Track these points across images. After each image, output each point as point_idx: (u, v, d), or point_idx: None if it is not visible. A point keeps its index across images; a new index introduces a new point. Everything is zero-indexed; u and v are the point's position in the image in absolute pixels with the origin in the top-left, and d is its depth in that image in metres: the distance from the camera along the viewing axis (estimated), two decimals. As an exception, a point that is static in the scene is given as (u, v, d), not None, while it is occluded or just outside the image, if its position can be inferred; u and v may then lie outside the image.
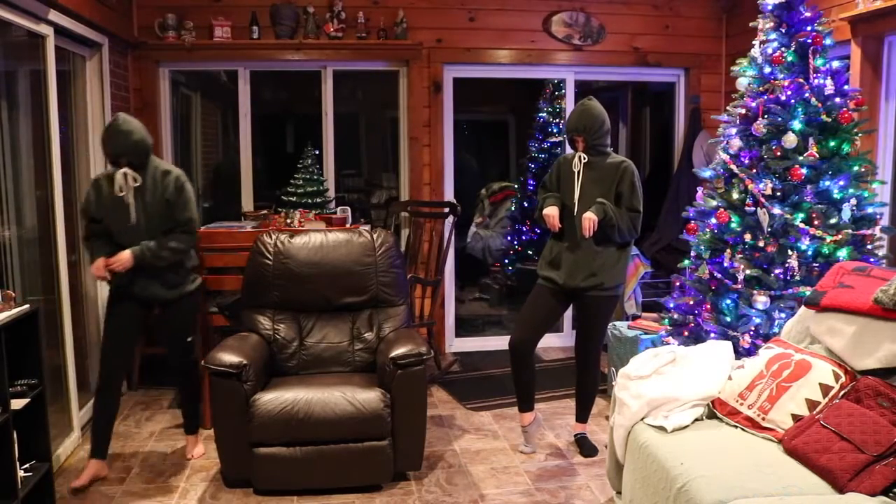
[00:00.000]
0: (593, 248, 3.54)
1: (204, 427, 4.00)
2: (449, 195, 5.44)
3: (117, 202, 3.32)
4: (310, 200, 4.98)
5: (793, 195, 3.34)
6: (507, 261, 7.19)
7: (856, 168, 3.34)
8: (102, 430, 3.46)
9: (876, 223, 3.37)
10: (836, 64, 3.40)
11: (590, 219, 3.44)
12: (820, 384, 2.59)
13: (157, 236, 3.36)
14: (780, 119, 3.35)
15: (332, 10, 5.03)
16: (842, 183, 3.31)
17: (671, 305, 3.85)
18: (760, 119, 3.41)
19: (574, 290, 3.60)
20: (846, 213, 3.29)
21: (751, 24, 3.61)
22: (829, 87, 3.33)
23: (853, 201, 3.31)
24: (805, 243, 3.28)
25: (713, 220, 3.59)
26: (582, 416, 3.85)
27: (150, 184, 3.36)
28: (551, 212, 3.59)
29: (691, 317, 3.71)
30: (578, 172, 3.59)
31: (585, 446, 3.77)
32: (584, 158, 3.58)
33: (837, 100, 3.34)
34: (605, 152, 3.62)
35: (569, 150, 3.77)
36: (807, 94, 3.34)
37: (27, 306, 2.85)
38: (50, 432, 3.01)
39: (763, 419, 2.63)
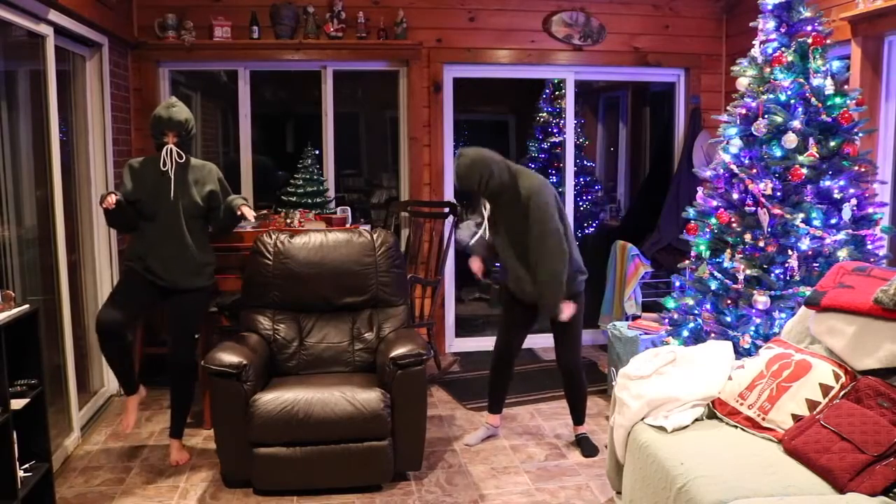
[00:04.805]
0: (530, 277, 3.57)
1: (204, 427, 4.01)
2: (449, 195, 5.44)
3: (157, 179, 3.45)
4: (310, 200, 4.98)
5: (793, 195, 3.34)
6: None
7: (856, 168, 3.34)
8: (122, 372, 3.55)
9: (876, 223, 3.37)
10: (836, 64, 3.40)
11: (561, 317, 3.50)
12: (820, 384, 2.59)
13: (188, 221, 3.50)
14: (780, 119, 3.35)
15: (332, 10, 5.03)
16: (842, 183, 3.31)
17: (671, 305, 3.85)
18: (760, 119, 3.40)
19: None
20: (846, 213, 3.29)
21: (751, 24, 3.61)
22: (829, 87, 3.33)
23: (853, 201, 3.31)
24: (805, 243, 3.28)
25: (713, 220, 3.59)
26: (577, 418, 3.86)
27: (190, 172, 3.52)
28: (474, 267, 3.74)
29: (691, 317, 3.71)
30: (490, 217, 3.62)
31: (586, 446, 3.77)
32: (487, 207, 3.61)
33: (837, 100, 3.33)
34: (503, 186, 3.45)
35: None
36: (807, 94, 3.34)
37: (27, 306, 2.85)
38: (50, 432, 3.01)
39: (763, 419, 2.63)
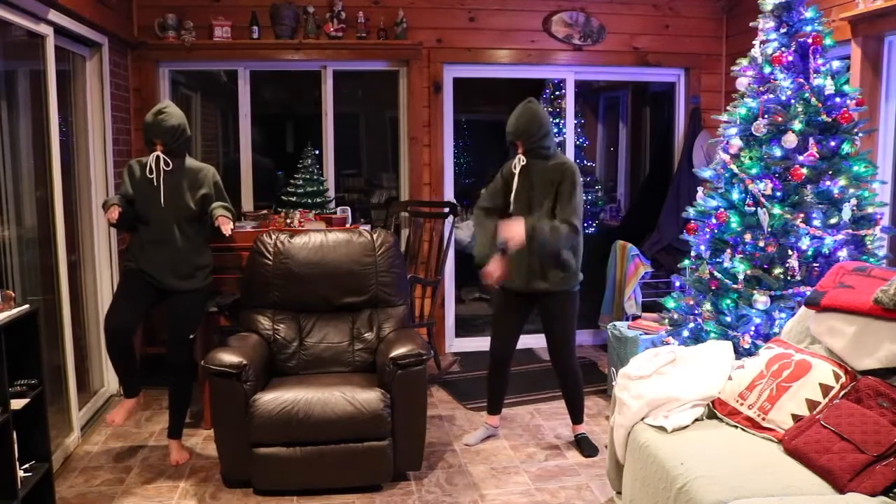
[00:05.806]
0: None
1: (204, 427, 4.01)
2: (449, 195, 5.44)
3: (148, 185, 3.46)
4: (310, 200, 4.98)
5: (793, 195, 3.33)
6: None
7: (856, 168, 3.34)
8: (125, 372, 3.57)
9: (876, 223, 3.37)
10: (836, 64, 3.40)
11: (511, 238, 3.42)
12: (820, 384, 2.59)
13: (181, 225, 3.49)
14: (780, 119, 3.35)
15: (332, 9, 5.03)
16: (842, 183, 3.30)
17: (671, 305, 3.85)
18: (760, 119, 3.40)
19: (530, 293, 3.62)
20: (846, 213, 3.29)
21: (751, 24, 3.60)
22: (829, 87, 3.33)
23: (853, 201, 3.30)
24: (805, 243, 3.28)
25: (713, 220, 3.59)
26: (575, 418, 3.86)
27: (184, 176, 3.51)
28: (490, 269, 3.57)
29: (691, 317, 3.71)
30: (515, 175, 3.59)
31: (586, 446, 3.77)
32: (522, 161, 3.58)
33: (837, 100, 3.33)
34: (547, 155, 3.59)
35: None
36: (807, 94, 3.34)
37: (27, 306, 2.85)
38: (50, 432, 3.01)
39: (763, 419, 2.63)
